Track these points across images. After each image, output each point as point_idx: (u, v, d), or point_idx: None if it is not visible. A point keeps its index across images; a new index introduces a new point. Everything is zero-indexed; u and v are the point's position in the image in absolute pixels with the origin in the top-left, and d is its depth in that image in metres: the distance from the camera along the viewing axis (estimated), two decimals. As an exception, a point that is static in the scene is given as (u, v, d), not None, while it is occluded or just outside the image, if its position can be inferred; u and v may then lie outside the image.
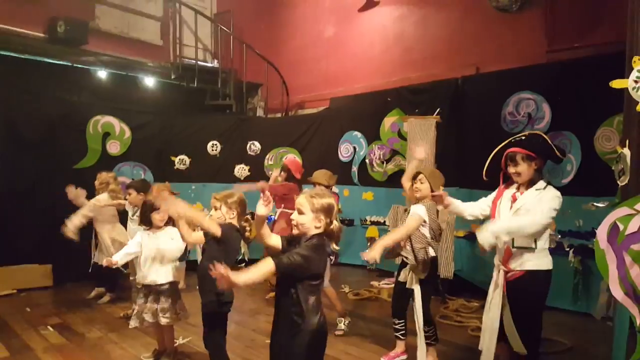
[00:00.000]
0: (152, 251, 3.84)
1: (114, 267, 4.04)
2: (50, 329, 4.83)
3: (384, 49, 8.20)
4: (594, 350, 4.31)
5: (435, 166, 6.04)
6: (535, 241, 3.01)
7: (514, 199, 3.13)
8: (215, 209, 3.22)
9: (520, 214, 3.04)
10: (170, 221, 3.91)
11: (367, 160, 7.74)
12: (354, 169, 7.89)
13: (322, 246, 2.45)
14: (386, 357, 4.02)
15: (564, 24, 6.05)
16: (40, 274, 6.37)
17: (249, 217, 3.40)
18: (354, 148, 7.92)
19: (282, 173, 5.65)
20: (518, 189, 3.16)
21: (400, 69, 7.87)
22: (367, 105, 7.80)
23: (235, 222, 3.28)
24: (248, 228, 3.36)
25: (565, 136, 5.55)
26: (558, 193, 3.03)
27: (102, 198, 5.55)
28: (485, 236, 2.92)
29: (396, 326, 4.00)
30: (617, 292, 2.38)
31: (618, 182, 2.52)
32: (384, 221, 7.27)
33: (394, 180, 7.12)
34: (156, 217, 3.87)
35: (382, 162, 7.53)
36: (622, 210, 2.37)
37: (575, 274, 5.27)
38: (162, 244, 3.85)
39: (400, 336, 4.01)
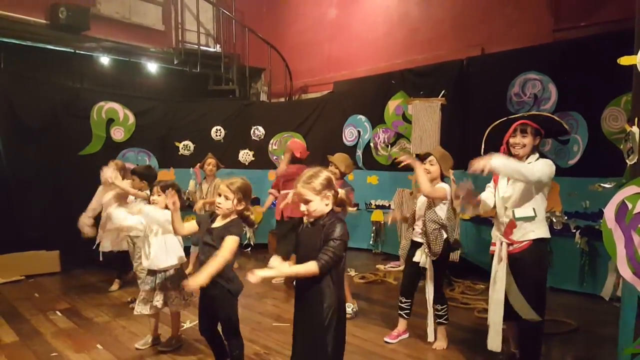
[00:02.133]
0: (156, 236, 3.82)
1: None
2: (59, 313, 4.87)
3: (387, 30, 8.12)
4: (600, 331, 4.32)
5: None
6: (534, 210, 3.08)
7: None
8: (227, 199, 3.07)
9: (516, 185, 3.12)
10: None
11: (371, 144, 7.71)
12: (359, 152, 7.86)
13: (342, 221, 2.49)
14: (389, 336, 4.05)
15: (570, 2, 5.97)
16: (48, 260, 6.40)
17: (250, 206, 3.29)
18: (359, 132, 7.88)
19: (286, 154, 5.66)
20: None
21: (404, 51, 7.80)
22: (371, 88, 7.75)
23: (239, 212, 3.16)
24: (251, 216, 3.24)
25: (572, 116, 5.49)
26: (549, 161, 3.11)
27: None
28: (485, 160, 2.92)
29: (402, 304, 4.02)
30: (625, 272, 2.36)
31: (627, 160, 2.49)
32: (389, 205, 7.26)
33: (399, 163, 7.09)
34: (154, 199, 3.88)
35: (387, 146, 7.50)
36: (630, 189, 2.35)
37: (582, 256, 5.27)
38: (160, 228, 3.79)
39: (404, 315, 4.04)
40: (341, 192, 2.54)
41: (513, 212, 3.12)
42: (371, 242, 7.64)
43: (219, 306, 3.13)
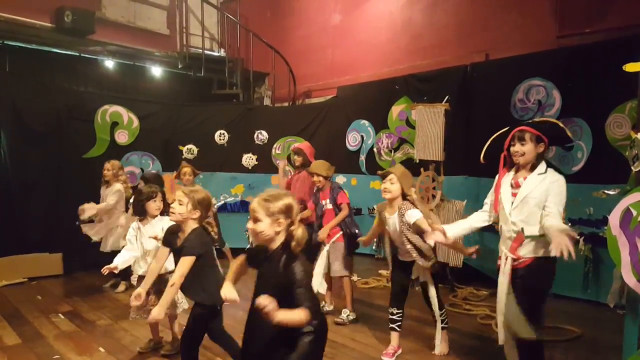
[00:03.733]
0: (151, 243, 3.84)
1: (115, 271, 4.01)
2: (61, 316, 4.88)
3: (391, 36, 8.13)
4: (604, 338, 4.30)
5: (444, 155, 6.01)
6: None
7: (517, 185, 3.07)
8: (180, 204, 3.08)
9: (527, 204, 2.98)
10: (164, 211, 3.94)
11: (374, 149, 7.70)
12: (362, 157, 7.86)
13: (301, 259, 2.30)
14: (386, 354, 3.91)
15: (574, 9, 5.97)
16: (51, 263, 6.42)
17: (210, 219, 3.34)
18: (362, 137, 7.88)
19: (297, 157, 5.58)
20: (517, 172, 3.11)
21: (408, 57, 7.80)
22: (375, 93, 7.75)
23: (196, 222, 3.16)
24: (211, 229, 3.25)
25: (576, 123, 5.48)
26: (561, 177, 3.01)
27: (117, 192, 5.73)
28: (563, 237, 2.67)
29: (394, 316, 3.89)
30: (630, 278, 2.36)
31: (632, 167, 2.48)
32: (392, 210, 7.24)
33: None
34: (152, 206, 3.86)
35: (390, 151, 7.50)
36: (635, 196, 2.35)
37: (586, 262, 5.25)
38: (159, 233, 3.80)
39: (396, 328, 3.91)
40: (297, 232, 2.29)
41: (523, 229, 2.99)
42: (374, 248, 7.62)
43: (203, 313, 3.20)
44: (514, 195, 3.08)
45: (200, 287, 3.13)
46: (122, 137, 7.27)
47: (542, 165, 3.04)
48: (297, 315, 2.13)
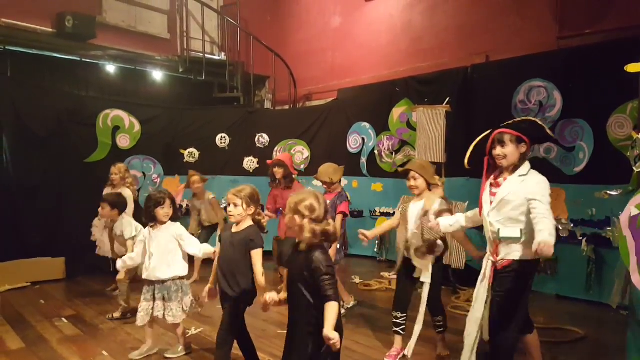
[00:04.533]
0: (157, 248, 3.85)
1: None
2: (65, 320, 4.88)
3: (391, 39, 8.15)
4: (607, 339, 4.29)
5: (445, 156, 6.01)
6: (521, 231, 2.93)
7: (497, 185, 3.05)
8: (235, 206, 3.22)
9: (505, 205, 2.95)
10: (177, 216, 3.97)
11: (375, 151, 7.71)
12: (363, 160, 7.87)
13: (325, 250, 2.52)
14: (389, 357, 3.91)
15: (575, 10, 5.98)
16: (53, 267, 6.43)
17: (260, 210, 3.42)
18: (363, 139, 7.89)
19: (278, 169, 5.47)
20: (500, 174, 3.09)
21: (408, 59, 7.82)
22: (375, 96, 7.76)
23: (249, 217, 3.30)
24: (263, 221, 3.40)
25: (578, 124, 5.49)
26: (543, 178, 2.96)
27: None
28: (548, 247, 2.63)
29: (398, 320, 3.88)
30: (636, 278, 2.36)
31: (634, 167, 2.48)
32: (394, 212, 7.23)
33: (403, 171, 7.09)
34: (160, 213, 3.87)
35: (391, 153, 7.50)
36: (639, 197, 2.35)
37: (589, 263, 5.24)
38: (162, 240, 3.85)
39: (400, 331, 3.90)
40: (330, 226, 2.51)
41: (499, 230, 2.98)
42: (375, 250, 7.62)
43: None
44: (493, 195, 3.06)
45: (237, 282, 3.22)
46: (124, 142, 7.28)
47: (525, 167, 3.00)
48: (334, 311, 2.33)
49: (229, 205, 3.26)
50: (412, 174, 3.81)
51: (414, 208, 3.85)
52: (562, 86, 5.63)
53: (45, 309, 5.28)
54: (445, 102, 6.21)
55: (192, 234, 4.32)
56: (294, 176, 5.52)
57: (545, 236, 2.61)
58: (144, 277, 3.93)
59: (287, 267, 2.67)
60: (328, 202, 4.71)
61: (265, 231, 3.43)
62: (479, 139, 3.19)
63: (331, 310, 2.33)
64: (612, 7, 5.64)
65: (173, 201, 3.95)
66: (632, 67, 2.47)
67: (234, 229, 3.30)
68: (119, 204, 5.02)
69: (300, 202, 2.50)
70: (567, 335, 4.37)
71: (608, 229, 5.11)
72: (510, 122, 3.11)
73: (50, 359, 3.96)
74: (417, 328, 3.79)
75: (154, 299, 3.86)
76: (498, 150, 3.00)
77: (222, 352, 3.27)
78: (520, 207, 2.92)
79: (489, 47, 6.76)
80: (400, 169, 4.04)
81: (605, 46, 5.31)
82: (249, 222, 3.30)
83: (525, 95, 5.91)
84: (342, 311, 4.88)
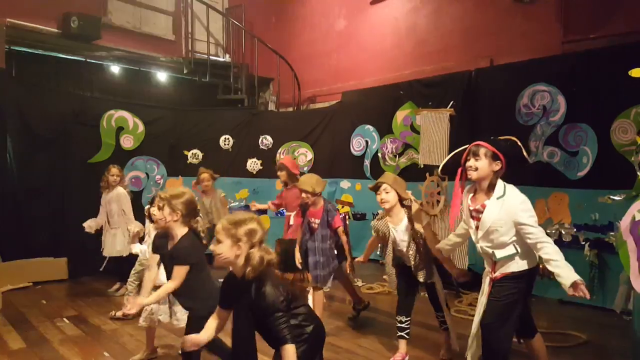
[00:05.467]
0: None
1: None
2: (66, 321, 4.89)
3: (396, 42, 8.15)
4: (610, 344, 4.28)
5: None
6: (514, 246, 2.92)
7: (478, 211, 3.00)
8: (159, 209, 3.05)
9: (492, 232, 2.93)
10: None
11: (379, 154, 7.70)
12: (366, 162, 7.86)
13: (269, 282, 2.29)
14: None
15: (579, 14, 5.97)
16: (56, 267, 6.44)
17: (199, 218, 3.21)
18: (366, 142, 7.88)
19: (280, 172, 5.51)
20: (476, 192, 3.05)
21: (412, 62, 7.82)
22: (379, 98, 7.75)
23: (179, 225, 3.07)
24: (200, 229, 3.17)
25: (581, 128, 5.47)
26: (522, 197, 2.91)
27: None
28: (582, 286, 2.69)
29: (402, 324, 3.84)
30: (638, 284, 2.35)
31: (638, 172, 2.47)
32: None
33: (407, 174, 7.08)
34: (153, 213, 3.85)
35: (395, 156, 7.49)
36: (641, 202, 2.34)
37: (591, 268, 5.22)
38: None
39: (405, 335, 3.85)
40: (255, 256, 2.28)
41: (494, 253, 2.97)
42: (378, 253, 7.59)
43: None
44: (477, 220, 3.02)
45: (192, 295, 3.08)
46: (128, 142, 7.29)
47: (500, 187, 2.94)
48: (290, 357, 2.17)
49: (157, 209, 3.09)
50: (383, 186, 3.73)
51: (400, 230, 3.78)
52: (566, 90, 5.61)
53: (47, 309, 5.29)
54: (449, 105, 6.20)
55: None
56: (297, 176, 5.53)
57: (573, 276, 2.66)
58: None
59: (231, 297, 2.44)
60: (318, 220, 4.54)
61: (202, 242, 3.19)
62: (459, 150, 3.14)
63: (288, 356, 2.18)
64: (617, 11, 5.63)
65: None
66: (636, 72, 2.47)
67: (170, 245, 3.09)
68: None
69: (239, 225, 2.30)
70: (570, 340, 4.36)
71: (611, 233, 5.09)
72: (492, 137, 3.06)
73: (52, 359, 3.97)
74: (449, 320, 3.85)
75: (159, 302, 3.86)
76: (471, 162, 2.96)
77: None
78: (509, 231, 2.91)
79: (494, 50, 6.75)
80: (370, 187, 3.94)
81: (610, 51, 5.30)
82: (181, 231, 3.07)
83: (529, 99, 5.90)
84: (349, 315, 4.90)
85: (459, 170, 3.07)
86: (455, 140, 6.10)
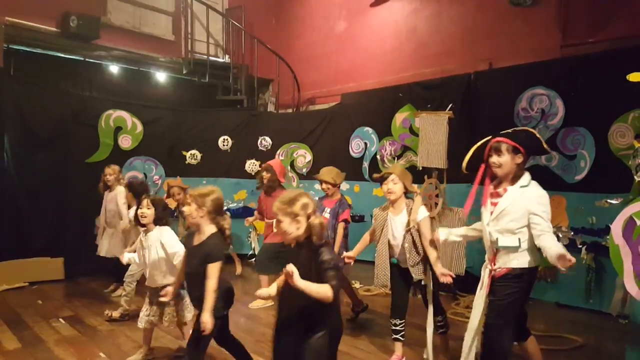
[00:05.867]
0: (149, 256, 3.84)
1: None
2: (62, 321, 4.88)
3: (395, 44, 8.15)
4: (606, 347, 4.28)
5: (447, 162, 6.00)
6: (519, 240, 2.95)
7: (497, 195, 3.07)
8: (187, 204, 3.14)
9: (505, 216, 2.98)
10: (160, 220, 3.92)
11: (378, 156, 7.70)
12: (365, 164, 7.86)
13: (328, 244, 2.52)
14: None
15: (578, 18, 5.98)
16: (52, 267, 6.42)
17: (227, 216, 3.32)
18: (365, 144, 7.89)
19: (265, 174, 5.56)
20: (499, 184, 3.10)
21: (412, 65, 7.82)
22: (379, 100, 7.76)
23: (207, 221, 3.14)
24: (226, 227, 3.23)
25: (579, 132, 5.48)
26: (543, 192, 2.96)
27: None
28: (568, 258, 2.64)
29: (397, 327, 3.84)
30: (632, 288, 2.35)
31: (635, 176, 2.48)
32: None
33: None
34: (137, 213, 3.84)
35: (394, 158, 7.49)
36: (638, 205, 2.34)
37: (588, 272, 5.22)
38: (151, 247, 3.83)
39: (400, 337, 3.85)
40: (315, 222, 2.52)
41: (497, 239, 3.01)
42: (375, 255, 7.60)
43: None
44: (494, 205, 3.07)
45: (202, 296, 3.08)
46: (126, 142, 7.29)
47: (526, 178, 3.01)
48: (319, 288, 2.34)
49: (186, 205, 3.17)
50: (391, 177, 3.73)
51: (397, 221, 3.79)
52: (565, 94, 5.62)
53: (43, 309, 5.27)
54: (448, 108, 6.20)
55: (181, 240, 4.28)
56: (281, 184, 5.54)
57: (559, 249, 2.65)
58: (145, 283, 3.95)
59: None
60: (329, 209, 4.70)
61: (229, 240, 3.27)
62: (478, 144, 3.20)
63: (319, 286, 2.34)
64: (616, 16, 5.63)
65: (158, 205, 3.90)
66: (634, 76, 2.47)
67: (196, 240, 3.17)
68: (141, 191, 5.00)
69: (292, 203, 2.51)
70: (566, 343, 4.36)
71: (608, 237, 5.08)
72: (509, 130, 3.12)
73: (47, 359, 3.95)
74: (429, 331, 3.78)
75: (152, 304, 3.87)
76: (494, 159, 3.03)
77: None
78: (521, 219, 2.94)
79: (493, 54, 6.76)
80: (375, 176, 3.94)
81: (608, 55, 5.31)
82: (210, 229, 3.15)
83: (528, 102, 5.91)
84: (348, 316, 4.94)
85: (482, 166, 3.14)
86: (454, 143, 6.12)
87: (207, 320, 2.92)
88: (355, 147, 8.01)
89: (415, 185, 3.88)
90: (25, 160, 6.40)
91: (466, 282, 5.82)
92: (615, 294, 4.43)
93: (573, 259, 2.57)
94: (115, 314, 4.91)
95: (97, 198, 5.90)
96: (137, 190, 5.27)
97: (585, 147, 5.43)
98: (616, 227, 2.38)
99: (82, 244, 6.20)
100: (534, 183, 3.01)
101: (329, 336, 2.48)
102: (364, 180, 7.89)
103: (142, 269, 4.19)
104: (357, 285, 6.30)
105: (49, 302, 5.56)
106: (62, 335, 4.49)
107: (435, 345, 3.95)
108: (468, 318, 4.94)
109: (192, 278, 3.19)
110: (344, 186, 7.87)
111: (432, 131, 6.12)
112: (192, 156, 7.92)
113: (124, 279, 5.04)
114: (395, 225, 3.79)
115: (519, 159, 2.99)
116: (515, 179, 3.02)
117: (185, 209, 3.17)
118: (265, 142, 8.37)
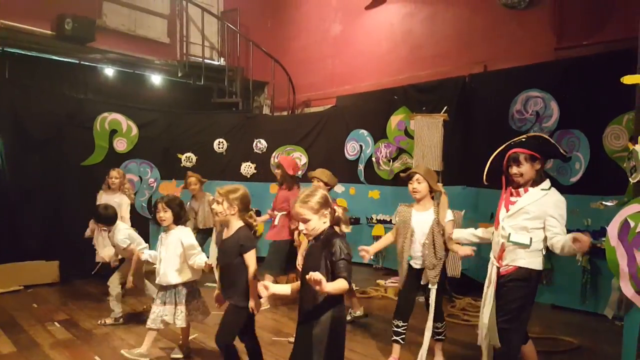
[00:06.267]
0: (166, 253, 3.88)
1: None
2: (57, 324, 4.85)
3: (391, 47, 8.17)
4: (602, 349, 4.29)
5: (442, 165, 6.03)
6: (531, 239, 2.99)
7: (518, 194, 3.10)
8: (218, 203, 3.22)
9: (522, 215, 3.01)
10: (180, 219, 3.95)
11: (373, 159, 7.72)
12: (360, 167, 7.87)
13: (341, 237, 2.55)
14: None
15: (573, 21, 6.02)
16: (47, 271, 6.39)
17: (252, 212, 3.39)
18: (360, 146, 7.90)
19: (277, 170, 5.75)
20: (519, 186, 3.12)
21: (407, 67, 7.84)
22: (374, 103, 7.78)
23: (236, 218, 3.25)
24: (254, 223, 3.35)
25: (574, 134, 5.51)
26: (563, 198, 3.02)
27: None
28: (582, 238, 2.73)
29: (399, 329, 3.83)
30: (628, 290, 2.36)
31: (630, 178, 2.49)
32: (390, 219, 7.26)
33: (400, 178, 7.08)
34: (157, 217, 3.88)
35: (389, 161, 7.51)
36: (633, 207, 2.35)
37: (584, 274, 5.24)
38: (170, 245, 3.87)
39: (400, 340, 3.85)
40: (338, 211, 2.60)
41: (510, 234, 3.04)
42: (372, 259, 7.61)
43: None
44: (512, 203, 3.11)
45: (235, 285, 3.21)
46: (121, 145, 7.27)
47: (547, 183, 3.07)
48: (337, 284, 2.37)
49: (216, 204, 3.26)
50: (416, 176, 3.79)
51: (421, 218, 3.80)
52: (559, 97, 5.66)
53: (38, 312, 5.25)
54: (443, 110, 6.23)
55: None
56: (295, 176, 5.62)
57: (570, 235, 2.73)
58: (156, 281, 3.95)
59: (303, 270, 2.68)
60: None
61: (257, 235, 3.41)
62: (494, 154, 3.20)
63: (339, 283, 2.38)
64: (610, 18, 5.67)
65: (173, 205, 3.92)
66: (629, 79, 2.48)
67: (225, 235, 3.29)
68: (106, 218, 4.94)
69: (312, 196, 2.55)
70: (562, 345, 4.37)
71: (603, 239, 5.08)
72: (522, 138, 3.14)
73: (42, 363, 3.94)
74: (427, 334, 3.78)
75: (165, 304, 3.88)
76: (514, 169, 3.06)
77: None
78: (536, 219, 2.99)
79: (488, 56, 6.78)
80: (402, 175, 4.02)
81: (602, 57, 5.34)
82: (238, 224, 3.26)
83: (522, 105, 5.93)
84: (348, 317, 4.94)
85: (503, 177, 3.17)
86: (449, 145, 6.15)
87: (254, 305, 3.16)
88: (351, 149, 8.02)
89: (441, 184, 3.89)
90: (21, 162, 6.37)
91: (462, 285, 5.85)
92: (611, 296, 4.44)
93: (586, 238, 2.65)
94: (108, 320, 4.89)
95: (92, 201, 5.86)
96: (102, 218, 4.89)
97: (580, 149, 5.46)
98: (612, 229, 2.39)
99: (77, 247, 6.15)
100: (554, 189, 3.06)
101: (334, 324, 2.52)
102: (359, 183, 7.90)
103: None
104: (353, 287, 6.29)
105: (44, 305, 5.53)
106: (57, 339, 4.46)
107: (430, 347, 3.95)
108: (464, 320, 5.03)
109: (224, 271, 3.30)
110: (339, 188, 7.88)
111: (427, 133, 6.15)
112: (188, 159, 7.92)
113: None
114: (419, 222, 3.80)
115: (537, 165, 3.05)
116: (535, 183, 3.07)
117: (214, 206, 3.24)
118: (260, 144, 8.37)
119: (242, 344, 3.38)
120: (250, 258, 3.19)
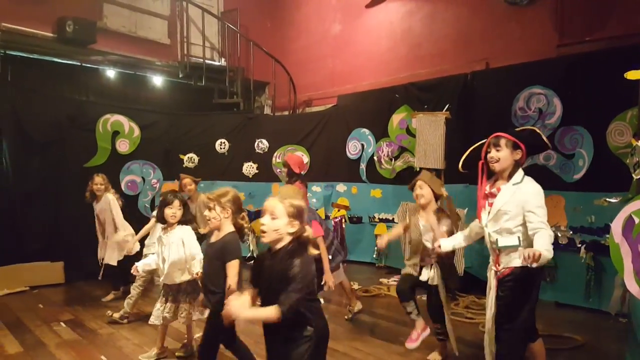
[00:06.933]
0: (169, 253, 3.86)
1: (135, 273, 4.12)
2: (63, 325, 4.87)
3: (391, 45, 8.17)
4: (606, 346, 4.28)
5: (444, 163, 6.03)
6: (519, 239, 2.95)
7: (492, 195, 3.06)
8: (210, 210, 3.13)
9: (502, 216, 2.98)
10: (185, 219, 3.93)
11: (375, 158, 7.71)
12: (362, 166, 7.87)
13: (309, 258, 2.34)
14: (409, 341, 3.90)
15: (574, 17, 6.01)
16: (52, 271, 6.42)
17: (244, 214, 3.28)
18: (362, 145, 7.90)
19: (284, 168, 5.69)
20: (495, 182, 3.09)
21: (408, 66, 7.84)
22: (375, 102, 7.77)
23: (229, 221, 3.16)
24: (246, 225, 3.25)
25: (577, 131, 5.50)
26: (537, 188, 2.96)
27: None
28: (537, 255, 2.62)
29: (408, 308, 3.87)
30: (632, 286, 2.36)
31: (633, 175, 2.49)
32: (393, 218, 7.26)
33: (402, 177, 7.09)
34: (167, 212, 3.86)
35: (391, 159, 7.51)
36: (637, 204, 2.35)
37: (588, 271, 5.23)
38: (172, 244, 3.85)
39: (415, 316, 3.88)
40: (308, 231, 2.38)
41: (497, 240, 3.00)
42: (374, 256, 7.62)
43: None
44: (490, 205, 3.07)
45: (214, 295, 3.14)
46: (123, 146, 7.28)
47: (519, 174, 3.00)
48: (264, 313, 2.21)
49: (208, 210, 3.16)
50: (418, 183, 3.83)
51: (424, 230, 3.84)
52: (562, 93, 5.63)
53: (44, 313, 5.27)
54: (445, 108, 6.22)
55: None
56: (298, 174, 5.59)
57: (538, 247, 2.65)
58: (160, 281, 3.95)
59: (260, 273, 2.46)
60: None
61: (243, 240, 3.27)
62: (477, 144, 3.21)
63: (266, 312, 2.20)
64: (612, 15, 5.66)
65: (185, 205, 3.93)
66: (632, 75, 2.48)
67: (213, 238, 3.19)
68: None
69: (294, 199, 2.40)
70: (566, 342, 4.36)
71: (607, 236, 5.10)
72: (510, 129, 3.12)
73: (48, 363, 3.96)
74: (450, 327, 3.81)
75: (167, 301, 3.90)
76: (492, 153, 3.02)
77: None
78: (517, 217, 2.94)
79: (489, 54, 6.78)
80: (409, 187, 4.01)
81: (605, 53, 5.33)
82: (229, 228, 3.16)
83: (525, 102, 5.92)
84: (346, 316, 5.00)
85: (480, 163, 3.11)
86: (451, 143, 6.13)
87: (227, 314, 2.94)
88: (352, 148, 8.02)
89: (443, 189, 3.92)
90: (23, 165, 6.40)
91: (465, 283, 5.84)
92: (614, 292, 4.45)
93: (535, 255, 2.55)
94: (116, 315, 4.90)
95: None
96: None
97: (583, 146, 5.44)
98: (616, 226, 2.39)
99: (82, 248, 6.18)
100: (528, 179, 3.00)
101: (316, 344, 2.36)
102: (361, 182, 7.90)
103: (152, 269, 4.18)
104: (355, 286, 6.30)
105: (49, 306, 5.55)
106: (63, 339, 4.48)
107: (431, 345, 3.96)
108: (467, 318, 5.02)
109: (206, 275, 3.24)
110: (341, 188, 7.90)
111: (429, 132, 6.15)
112: (190, 159, 7.93)
113: (114, 284, 4.97)
114: (419, 230, 3.87)
115: (517, 155, 2.99)
116: (510, 176, 3.01)
117: (207, 213, 3.14)
118: (262, 144, 8.38)
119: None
120: (232, 269, 3.05)
